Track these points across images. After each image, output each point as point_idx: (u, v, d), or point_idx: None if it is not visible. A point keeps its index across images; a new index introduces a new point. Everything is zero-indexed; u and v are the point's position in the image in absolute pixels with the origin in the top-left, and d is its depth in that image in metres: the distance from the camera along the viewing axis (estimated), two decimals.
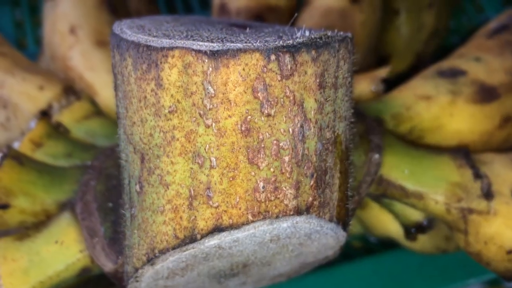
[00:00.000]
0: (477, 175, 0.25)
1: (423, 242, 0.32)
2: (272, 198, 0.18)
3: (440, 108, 0.29)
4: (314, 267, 0.26)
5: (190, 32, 0.19)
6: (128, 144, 0.20)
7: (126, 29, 0.20)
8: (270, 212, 0.19)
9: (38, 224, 0.24)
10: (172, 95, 0.18)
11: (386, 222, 0.31)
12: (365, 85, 0.32)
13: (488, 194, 0.25)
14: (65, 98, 0.31)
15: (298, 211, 0.19)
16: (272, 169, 0.18)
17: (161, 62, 0.18)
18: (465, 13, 0.55)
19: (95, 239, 0.23)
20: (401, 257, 0.35)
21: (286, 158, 0.18)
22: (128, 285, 0.21)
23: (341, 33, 0.20)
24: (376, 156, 0.25)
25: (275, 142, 0.18)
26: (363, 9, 0.39)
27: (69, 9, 0.37)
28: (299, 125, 0.18)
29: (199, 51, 0.17)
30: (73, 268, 0.23)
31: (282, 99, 0.18)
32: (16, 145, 0.27)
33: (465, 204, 0.25)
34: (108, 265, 0.23)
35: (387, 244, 0.36)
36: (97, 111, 0.31)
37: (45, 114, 0.28)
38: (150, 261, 0.20)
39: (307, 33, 0.19)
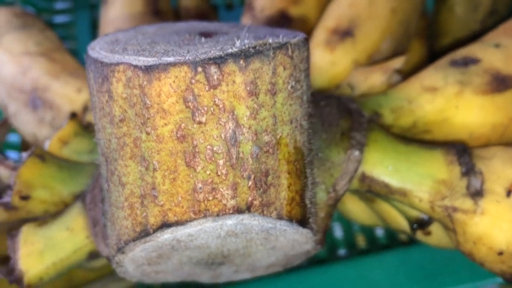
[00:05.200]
0: (466, 172, 0.24)
1: (439, 237, 0.31)
2: (210, 198, 0.20)
3: (445, 100, 0.28)
4: (303, 259, 0.27)
5: (147, 46, 0.21)
6: (99, 147, 0.22)
7: (96, 45, 0.22)
8: (210, 211, 0.20)
9: (57, 213, 0.28)
10: (120, 106, 0.20)
11: (396, 216, 0.31)
12: (377, 78, 0.31)
13: (476, 193, 0.24)
14: None
15: (238, 210, 0.20)
16: (208, 172, 0.20)
17: (110, 77, 0.20)
18: None
19: (97, 228, 0.26)
20: (428, 250, 0.35)
21: (221, 162, 0.20)
22: (116, 269, 0.24)
23: (291, 37, 0.20)
24: (356, 153, 0.25)
25: (208, 147, 0.19)
26: None
27: (116, 14, 0.41)
28: (230, 131, 0.19)
29: (136, 66, 0.19)
30: (81, 252, 0.27)
31: (212, 108, 0.19)
32: (47, 143, 0.31)
33: (449, 203, 0.24)
34: (105, 250, 0.26)
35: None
36: None
37: (74, 115, 0.32)
38: (120, 250, 0.22)
39: (246, 41, 0.20)
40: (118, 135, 0.21)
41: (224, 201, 0.20)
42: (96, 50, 0.21)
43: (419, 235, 0.31)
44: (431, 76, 0.29)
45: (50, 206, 0.28)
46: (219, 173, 0.20)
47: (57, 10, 0.58)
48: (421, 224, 0.28)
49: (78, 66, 0.38)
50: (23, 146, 0.45)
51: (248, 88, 0.19)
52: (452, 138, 0.28)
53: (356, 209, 0.33)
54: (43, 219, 0.29)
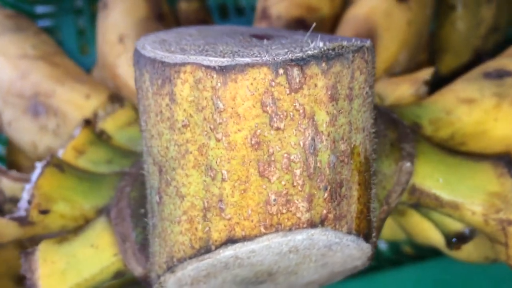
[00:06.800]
0: None
1: (469, 251, 0.30)
2: (284, 211, 0.18)
3: (483, 112, 0.27)
4: (345, 276, 0.26)
5: (207, 46, 0.19)
6: (148, 156, 0.20)
7: (147, 45, 0.20)
8: (283, 225, 0.19)
9: (77, 228, 0.26)
10: (185, 110, 0.18)
11: (427, 230, 0.30)
12: (406, 88, 0.31)
13: None
14: (110, 105, 0.32)
15: (312, 224, 0.19)
16: (283, 182, 0.18)
17: (174, 78, 0.18)
18: None
19: (126, 244, 0.24)
20: (449, 264, 0.34)
21: (297, 171, 0.18)
22: None
23: (359, 41, 0.19)
24: (407, 164, 0.24)
25: (285, 155, 0.18)
26: (411, 7, 0.37)
27: (119, 18, 0.39)
28: (310, 138, 0.18)
29: (209, 67, 0.18)
30: (108, 271, 0.24)
31: (291, 113, 0.18)
32: (61, 152, 0.29)
33: (504, 216, 0.24)
34: (138, 269, 0.24)
35: (434, 250, 0.35)
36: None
37: (88, 122, 0.30)
38: (170, 269, 0.20)
39: (320, 44, 0.18)
40: (179, 142, 0.19)
41: (298, 214, 0.18)
42: (149, 50, 0.20)
43: (448, 250, 0.30)
44: (465, 88, 0.29)
45: (69, 221, 0.26)
46: (295, 183, 0.18)
47: (39, 14, 0.55)
48: (461, 238, 0.27)
49: (81, 71, 0.36)
50: (9, 157, 0.42)
51: (329, 93, 0.18)
52: (489, 151, 0.28)
53: None
54: (59, 236, 0.26)
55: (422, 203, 0.25)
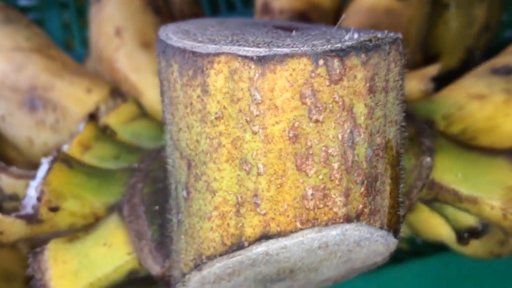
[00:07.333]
0: None
1: (476, 247, 0.31)
2: (321, 205, 0.18)
3: (494, 108, 0.28)
4: (361, 272, 0.26)
5: (236, 37, 0.19)
6: (175, 149, 0.20)
7: (172, 35, 0.19)
8: (319, 220, 0.18)
9: (87, 226, 0.25)
10: (218, 101, 0.18)
11: (436, 226, 0.30)
12: (414, 84, 0.31)
13: None
14: (112, 100, 0.31)
15: (347, 219, 0.18)
16: (321, 176, 0.18)
17: (207, 68, 0.18)
18: None
19: (142, 242, 0.23)
20: (449, 260, 0.34)
21: (335, 165, 0.18)
22: None
23: (391, 34, 0.19)
24: (428, 159, 0.24)
25: (323, 148, 0.18)
26: (411, 4, 0.37)
27: (114, 11, 0.37)
28: (348, 131, 0.18)
29: (246, 57, 0.17)
30: (121, 270, 0.24)
31: (331, 105, 0.17)
32: (65, 147, 0.27)
33: None
34: (155, 268, 0.23)
35: (435, 246, 0.35)
36: (142, 113, 0.31)
37: (92, 117, 0.29)
38: (197, 267, 0.20)
39: (355, 36, 0.18)
40: (211, 135, 0.18)
41: (335, 209, 0.18)
42: (177, 39, 0.19)
43: (456, 245, 0.30)
44: (475, 84, 0.29)
45: (78, 218, 0.25)
46: (332, 177, 0.18)
47: (23, 7, 0.53)
48: (473, 233, 0.28)
49: (78, 64, 0.35)
50: None
51: (368, 85, 0.18)
52: (498, 145, 0.28)
53: None
54: (67, 234, 0.25)
55: (440, 198, 0.25)
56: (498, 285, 0.34)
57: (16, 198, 0.28)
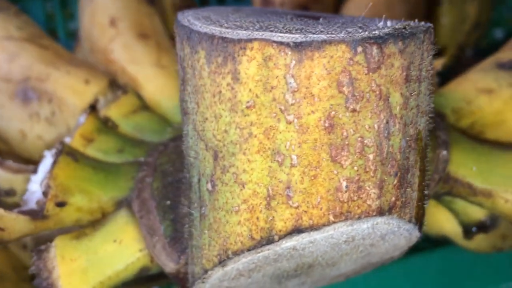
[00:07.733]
0: None
1: (479, 241, 0.31)
2: (355, 198, 0.17)
3: (503, 103, 0.28)
4: (374, 268, 0.25)
5: (263, 23, 0.18)
6: (199, 140, 0.19)
7: (195, 21, 0.19)
8: (352, 213, 0.18)
9: (94, 222, 0.24)
10: (250, 90, 0.17)
11: (441, 220, 0.30)
12: None
13: None
14: (111, 92, 0.30)
15: (380, 212, 0.18)
16: (356, 168, 0.17)
17: (238, 55, 0.17)
18: (505, 5, 0.53)
19: (154, 238, 0.22)
20: (449, 254, 0.34)
21: (371, 156, 0.17)
22: (194, 286, 0.21)
23: (423, 23, 0.19)
24: (444, 152, 0.24)
25: (359, 139, 0.17)
26: (409, 0, 0.37)
27: (108, 0, 0.36)
28: (384, 121, 0.17)
29: (281, 43, 0.16)
30: (133, 268, 0.23)
31: (368, 94, 0.17)
32: (67, 140, 0.26)
33: None
34: (169, 265, 0.22)
35: (434, 241, 0.35)
36: (143, 106, 0.30)
37: (94, 108, 0.28)
38: (222, 262, 0.19)
39: (389, 23, 0.18)
40: (242, 124, 0.17)
41: (369, 202, 0.18)
42: (203, 25, 0.18)
43: (460, 239, 0.30)
44: (482, 78, 0.29)
45: (85, 214, 0.23)
46: (367, 169, 0.17)
47: None
48: (482, 227, 0.28)
49: (72, 54, 0.33)
50: None
51: (404, 74, 0.17)
52: (505, 140, 0.28)
53: None
54: (72, 230, 0.24)
55: (454, 191, 0.25)
56: (497, 279, 0.34)
57: (13, 193, 0.26)
